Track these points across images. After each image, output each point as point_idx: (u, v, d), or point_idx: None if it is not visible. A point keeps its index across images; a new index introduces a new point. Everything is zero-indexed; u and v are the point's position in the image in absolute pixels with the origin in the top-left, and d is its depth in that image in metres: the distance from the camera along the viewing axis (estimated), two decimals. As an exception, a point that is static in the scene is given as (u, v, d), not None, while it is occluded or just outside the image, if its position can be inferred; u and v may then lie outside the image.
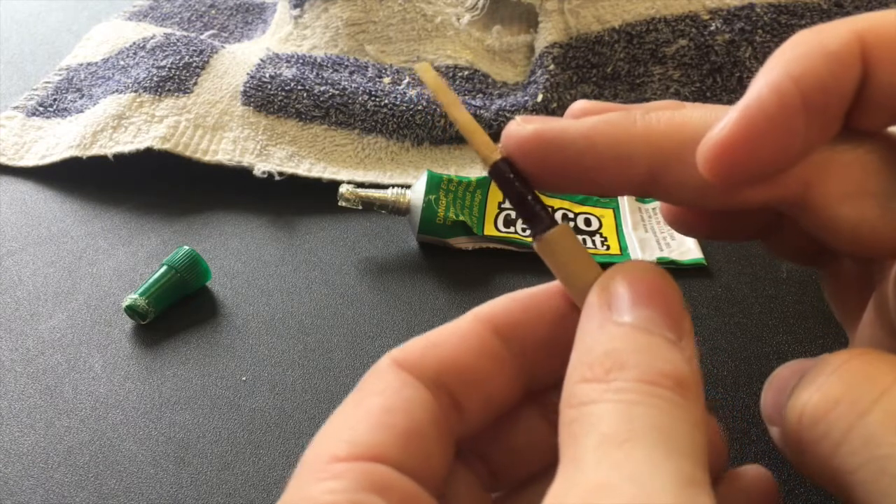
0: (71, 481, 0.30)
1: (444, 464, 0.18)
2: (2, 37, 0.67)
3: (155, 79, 0.50)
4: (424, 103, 0.48)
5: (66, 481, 0.30)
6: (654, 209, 0.43)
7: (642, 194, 0.20)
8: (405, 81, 0.51)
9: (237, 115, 0.49)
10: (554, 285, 0.20)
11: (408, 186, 0.42)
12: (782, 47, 0.18)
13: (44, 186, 0.48)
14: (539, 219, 0.19)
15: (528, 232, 0.41)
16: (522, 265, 0.40)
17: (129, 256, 0.42)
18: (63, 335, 0.37)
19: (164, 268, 0.38)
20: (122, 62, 0.54)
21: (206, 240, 0.43)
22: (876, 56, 0.17)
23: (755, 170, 0.17)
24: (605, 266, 0.19)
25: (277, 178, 0.46)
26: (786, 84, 0.17)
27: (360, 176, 0.47)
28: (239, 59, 0.52)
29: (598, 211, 0.43)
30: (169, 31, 0.56)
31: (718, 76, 0.50)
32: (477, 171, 0.46)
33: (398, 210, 0.41)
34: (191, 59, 0.51)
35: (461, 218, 0.40)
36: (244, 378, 0.35)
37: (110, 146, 0.47)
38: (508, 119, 0.47)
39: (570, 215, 0.43)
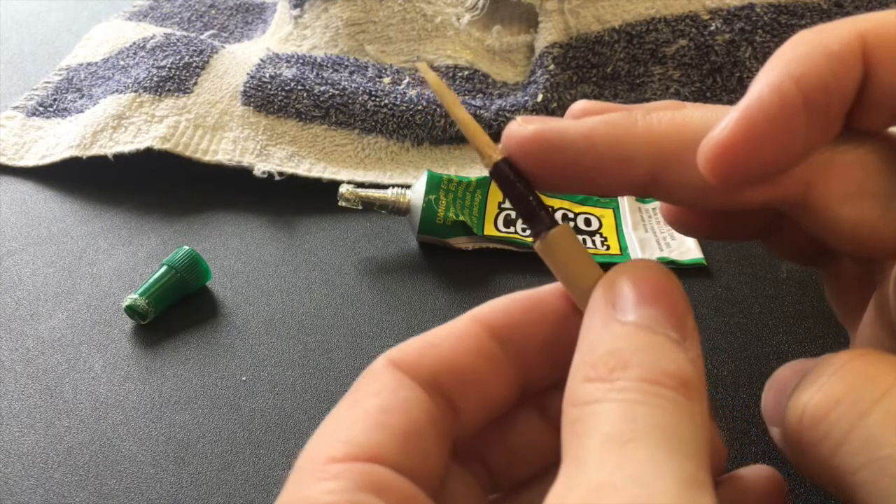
0: (71, 481, 0.30)
1: (441, 464, 0.18)
2: (2, 37, 0.67)
3: (155, 79, 0.50)
4: (424, 103, 0.48)
5: (66, 481, 0.30)
6: (654, 209, 0.43)
7: (643, 194, 0.20)
8: (405, 81, 0.51)
9: (237, 115, 0.49)
10: (553, 287, 0.20)
11: (408, 186, 0.42)
12: (783, 47, 0.18)
13: (44, 186, 0.48)
14: (539, 219, 0.19)
15: (528, 232, 0.41)
16: (522, 265, 0.40)
17: (129, 256, 0.42)
18: (63, 335, 0.37)
19: (164, 268, 0.38)
20: (122, 62, 0.54)
21: (206, 240, 0.43)
22: (877, 56, 0.17)
23: (756, 170, 0.17)
24: (605, 266, 0.19)
25: (277, 178, 0.46)
26: (787, 84, 0.17)
27: (360, 176, 0.47)
28: (239, 59, 0.52)
29: (598, 211, 0.43)
30: (169, 31, 0.56)
31: (718, 76, 0.50)
32: (477, 171, 0.46)
33: (398, 210, 0.41)
34: (191, 59, 0.51)
35: (461, 218, 0.40)
36: (244, 378, 0.34)
37: (110, 146, 0.47)
38: (508, 119, 0.47)
39: (570, 215, 0.43)
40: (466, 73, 0.52)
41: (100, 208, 0.46)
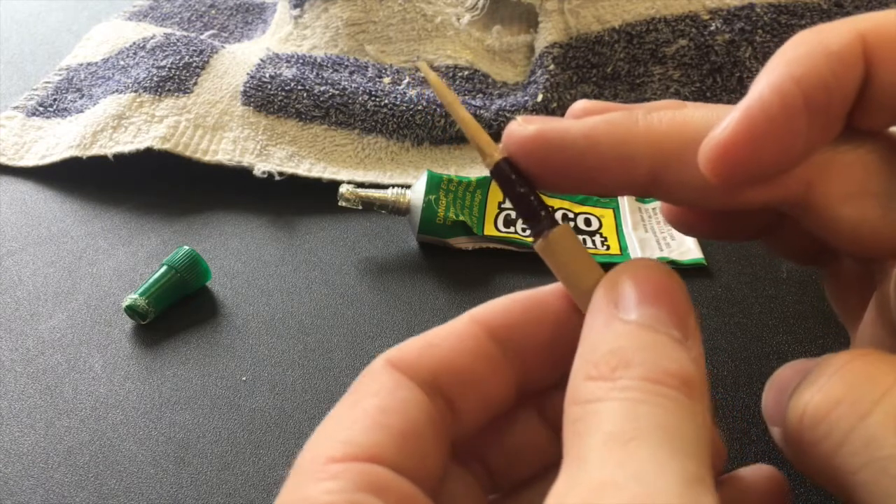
0: (71, 481, 0.30)
1: (439, 464, 0.18)
2: (2, 37, 0.67)
3: (155, 79, 0.50)
4: (424, 103, 0.48)
5: (66, 481, 0.30)
6: (654, 209, 0.43)
7: (643, 194, 0.20)
8: (405, 81, 0.51)
9: (237, 115, 0.49)
10: (551, 287, 0.20)
11: (408, 186, 0.42)
12: (784, 47, 0.18)
13: (44, 186, 0.48)
14: (540, 219, 0.19)
15: (528, 232, 0.41)
16: (522, 265, 0.40)
17: (129, 256, 0.42)
18: (63, 335, 0.37)
19: (164, 268, 0.38)
20: (122, 62, 0.54)
21: (206, 240, 0.43)
22: (878, 56, 0.17)
23: (757, 170, 0.17)
24: (605, 266, 0.19)
25: (277, 178, 0.46)
26: (788, 84, 0.17)
27: (360, 176, 0.47)
28: (239, 59, 0.52)
29: (598, 211, 0.43)
30: (169, 31, 0.56)
31: (718, 76, 0.50)
32: (477, 171, 0.46)
33: (398, 210, 0.41)
34: (191, 59, 0.51)
35: (461, 218, 0.40)
36: (244, 378, 0.34)
37: (110, 146, 0.47)
38: (508, 119, 0.47)
39: (570, 215, 0.43)
40: (466, 73, 0.52)
41: (100, 208, 0.46)
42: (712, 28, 0.50)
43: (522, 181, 0.19)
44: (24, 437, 0.32)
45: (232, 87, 0.50)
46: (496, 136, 0.45)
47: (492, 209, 0.42)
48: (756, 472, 0.20)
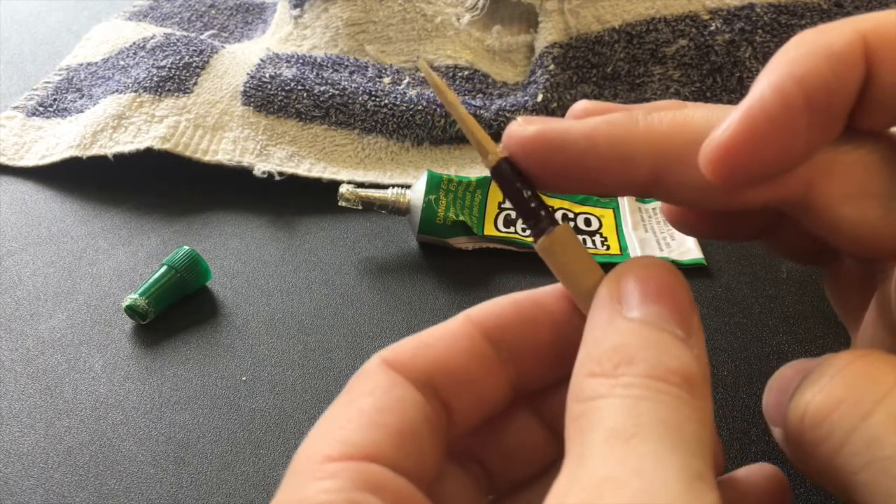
0: (71, 481, 0.30)
1: (436, 463, 0.18)
2: (2, 37, 0.67)
3: (155, 79, 0.50)
4: (424, 103, 0.48)
5: (66, 481, 0.30)
6: (654, 209, 0.43)
7: (644, 195, 0.20)
8: (405, 81, 0.51)
9: (237, 115, 0.49)
10: (548, 288, 0.20)
11: (408, 186, 0.42)
12: (785, 47, 0.18)
13: (44, 186, 0.48)
14: (540, 219, 0.19)
15: (528, 232, 0.41)
16: (522, 265, 0.40)
17: (129, 256, 0.42)
18: (63, 335, 0.37)
19: (164, 268, 0.38)
20: (122, 62, 0.54)
21: (206, 240, 0.43)
22: (879, 56, 0.17)
23: (758, 171, 0.17)
24: (605, 266, 0.19)
25: (277, 178, 0.46)
26: (789, 84, 0.17)
27: (360, 176, 0.47)
28: (239, 59, 0.52)
29: (598, 211, 0.43)
30: (169, 31, 0.56)
31: (718, 76, 0.50)
32: (477, 171, 0.46)
33: (398, 210, 0.41)
34: (191, 59, 0.51)
35: (461, 218, 0.40)
36: (244, 378, 0.34)
37: (110, 146, 0.47)
38: (508, 119, 0.47)
39: (570, 215, 0.43)
40: (466, 73, 0.52)
41: (100, 208, 0.46)
42: (712, 28, 0.50)
43: (523, 181, 0.19)
44: (24, 437, 0.32)
45: (232, 87, 0.50)
46: (496, 137, 0.45)
47: (492, 209, 0.42)
48: (757, 472, 0.20)
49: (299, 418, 0.33)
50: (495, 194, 0.42)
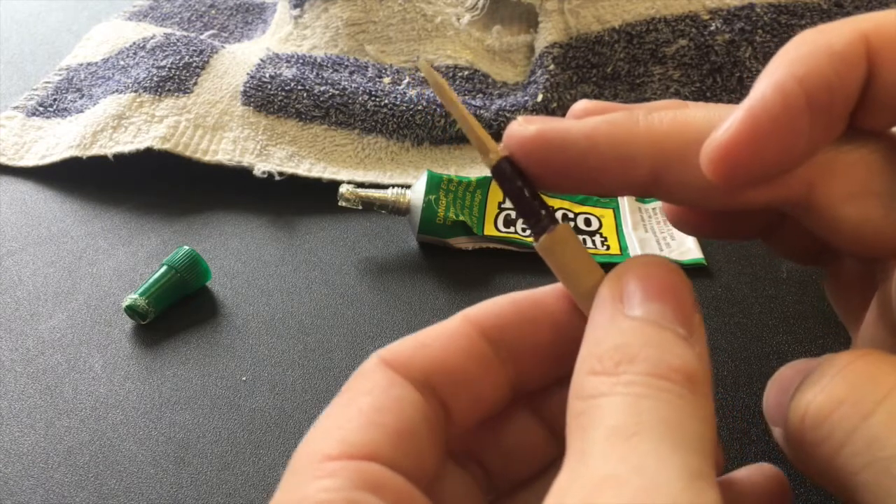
0: (71, 481, 0.30)
1: (434, 462, 0.18)
2: (2, 37, 0.67)
3: (155, 79, 0.50)
4: (424, 103, 0.48)
5: (66, 481, 0.30)
6: (654, 209, 0.43)
7: (644, 194, 0.20)
8: (405, 81, 0.51)
9: (237, 115, 0.49)
10: (546, 288, 0.20)
11: (408, 186, 0.42)
12: (786, 47, 0.18)
13: (44, 186, 0.48)
14: (540, 218, 0.19)
15: (528, 232, 0.41)
16: (522, 265, 0.40)
17: (129, 256, 0.42)
18: (63, 335, 0.37)
19: (164, 268, 0.38)
20: (122, 62, 0.54)
21: (206, 240, 0.43)
22: (881, 56, 0.17)
23: (759, 171, 0.17)
24: (605, 266, 0.19)
25: (277, 178, 0.45)
26: (790, 84, 0.17)
27: (360, 176, 0.46)
28: (239, 59, 0.52)
29: (598, 211, 0.43)
30: (169, 31, 0.56)
31: (718, 76, 0.50)
32: (477, 171, 0.46)
33: (398, 210, 0.41)
34: (191, 59, 0.51)
35: (461, 218, 0.40)
36: (244, 378, 0.34)
37: (110, 146, 0.47)
38: (508, 119, 0.47)
39: (570, 215, 0.43)
40: (466, 73, 0.52)
41: (100, 208, 0.46)
42: (712, 28, 0.50)
43: (523, 181, 0.19)
44: (24, 437, 0.32)
45: (232, 87, 0.50)
46: (496, 137, 0.45)
47: (492, 209, 0.42)
48: (757, 472, 0.20)
49: (299, 418, 0.33)
50: (495, 194, 0.42)
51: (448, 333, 0.19)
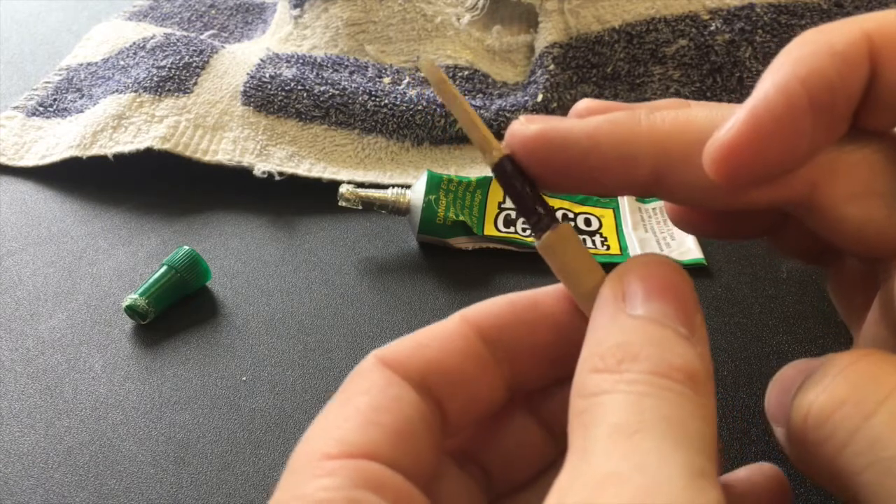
0: (71, 481, 0.30)
1: (432, 462, 0.18)
2: (2, 37, 0.67)
3: (155, 79, 0.50)
4: (424, 103, 0.48)
5: (66, 481, 0.30)
6: (654, 209, 0.43)
7: (646, 194, 0.20)
8: (405, 81, 0.51)
9: (237, 115, 0.49)
10: (545, 289, 0.20)
11: (408, 186, 0.42)
12: (789, 46, 0.18)
13: (44, 186, 0.48)
14: (541, 217, 0.19)
15: (528, 232, 0.41)
16: (522, 265, 0.40)
17: (129, 256, 0.42)
18: (63, 335, 0.37)
19: (164, 268, 0.38)
20: (122, 62, 0.54)
21: (206, 240, 0.43)
22: (884, 56, 0.17)
23: (762, 171, 0.17)
24: (605, 266, 0.19)
25: (277, 178, 0.45)
26: (792, 84, 0.17)
27: (360, 176, 0.46)
28: (239, 59, 0.52)
29: (598, 211, 0.43)
30: (169, 31, 0.56)
31: (718, 76, 0.50)
32: (477, 171, 0.46)
33: (398, 210, 0.41)
34: (191, 59, 0.51)
35: (461, 218, 0.40)
36: (244, 378, 0.34)
37: (110, 146, 0.47)
38: (508, 119, 0.47)
39: (570, 215, 0.43)
40: (466, 73, 0.52)
41: (100, 208, 0.46)
42: (712, 28, 0.50)
43: (524, 180, 0.19)
44: (24, 437, 0.32)
45: (232, 87, 0.50)
46: (496, 137, 0.45)
47: (492, 209, 0.42)
48: (757, 472, 0.20)
49: (299, 418, 0.33)
50: (495, 194, 0.42)
51: (445, 334, 0.19)
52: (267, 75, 0.50)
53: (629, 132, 0.18)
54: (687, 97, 0.50)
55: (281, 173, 0.46)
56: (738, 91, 0.50)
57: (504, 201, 0.42)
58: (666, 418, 0.15)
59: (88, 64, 0.56)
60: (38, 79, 0.58)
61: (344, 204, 0.40)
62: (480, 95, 0.51)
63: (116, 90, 0.50)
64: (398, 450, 0.17)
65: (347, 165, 0.47)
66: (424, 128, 0.48)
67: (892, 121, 0.18)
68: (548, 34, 0.51)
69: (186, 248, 0.38)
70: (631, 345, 0.16)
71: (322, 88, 0.49)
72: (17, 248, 0.43)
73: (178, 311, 0.38)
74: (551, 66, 0.50)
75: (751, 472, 0.20)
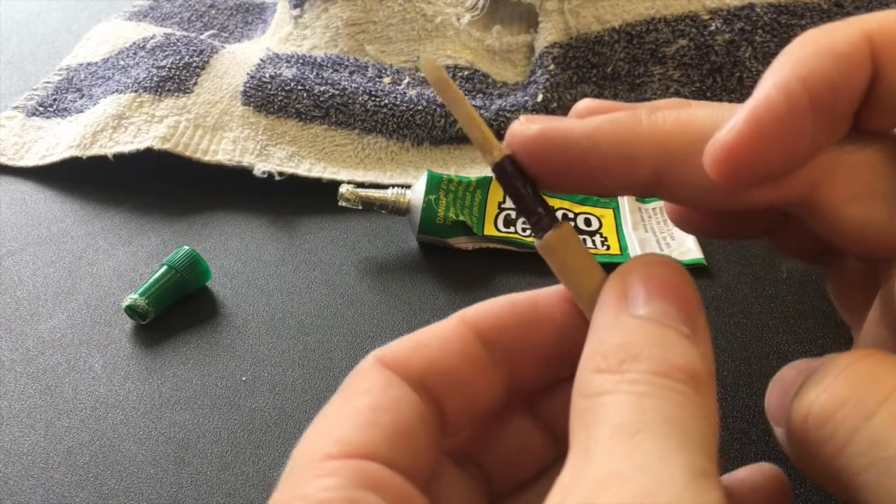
0: (71, 481, 0.30)
1: (432, 462, 0.18)
2: (2, 37, 0.67)
3: (155, 79, 0.50)
4: (424, 103, 0.48)
5: (66, 481, 0.30)
6: (654, 209, 0.43)
7: (647, 194, 0.20)
8: (405, 81, 0.51)
9: (237, 115, 0.49)
10: (544, 290, 0.20)
11: (408, 186, 0.42)
12: (790, 46, 0.18)
13: (44, 186, 0.48)
14: (542, 217, 0.19)
15: (528, 232, 0.41)
16: (522, 265, 0.40)
17: (129, 256, 0.42)
18: (63, 335, 0.37)
19: (164, 268, 0.38)
20: (122, 62, 0.54)
21: (206, 240, 0.43)
22: (885, 56, 0.17)
23: (763, 171, 0.17)
24: (605, 266, 0.19)
25: (277, 178, 0.45)
26: (794, 84, 0.17)
27: (360, 176, 0.46)
28: (239, 59, 0.52)
29: (598, 211, 0.43)
30: (169, 31, 0.56)
31: (718, 76, 0.50)
32: (477, 171, 0.46)
33: (398, 210, 0.41)
34: (191, 59, 0.51)
35: (461, 218, 0.40)
36: (244, 378, 0.34)
37: (110, 146, 0.47)
38: (508, 119, 0.47)
39: (570, 215, 0.43)
40: (466, 73, 0.52)
41: (100, 208, 0.46)
42: (712, 28, 0.50)
43: (525, 180, 0.19)
44: (24, 437, 0.32)
45: (232, 87, 0.50)
46: (496, 137, 0.45)
47: (492, 209, 0.42)
48: (757, 472, 0.20)
49: (299, 418, 0.33)
50: (495, 194, 0.42)
51: (443, 335, 0.19)
52: (267, 75, 0.50)
53: (630, 132, 0.18)
54: (687, 97, 0.50)
55: (281, 173, 0.46)
56: (738, 91, 0.50)
57: (504, 201, 0.42)
58: (667, 418, 0.15)
59: (88, 64, 0.56)
60: (38, 79, 0.58)
61: (344, 204, 0.40)
62: (480, 95, 0.51)
63: (116, 90, 0.50)
64: (397, 450, 0.17)
65: (347, 165, 0.47)
66: (424, 128, 0.48)
67: (893, 121, 0.18)
68: (548, 34, 0.51)
69: (186, 248, 0.38)
70: (633, 345, 0.16)
71: (322, 88, 0.49)
72: (17, 248, 0.43)
73: (178, 311, 0.38)
74: (551, 66, 0.50)
75: (751, 473, 0.20)
